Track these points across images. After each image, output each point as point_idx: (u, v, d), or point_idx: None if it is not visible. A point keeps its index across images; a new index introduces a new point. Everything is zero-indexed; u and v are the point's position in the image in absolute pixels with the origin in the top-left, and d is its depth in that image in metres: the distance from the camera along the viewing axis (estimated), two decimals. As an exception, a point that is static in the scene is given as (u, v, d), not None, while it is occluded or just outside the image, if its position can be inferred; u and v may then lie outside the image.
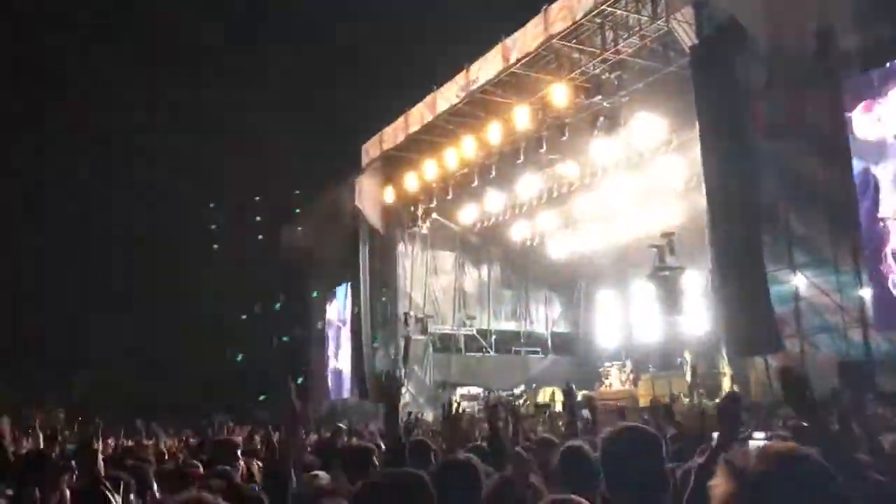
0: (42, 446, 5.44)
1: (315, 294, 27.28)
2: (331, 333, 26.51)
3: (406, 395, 21.39)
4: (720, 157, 13.16)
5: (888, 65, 11.78)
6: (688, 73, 14.31)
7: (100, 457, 3.87)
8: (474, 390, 21.15)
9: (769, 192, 12.79)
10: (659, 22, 14.76)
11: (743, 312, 12.75)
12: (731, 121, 12.97)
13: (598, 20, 15.54)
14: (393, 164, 22.03)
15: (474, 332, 23.93)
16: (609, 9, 15.09)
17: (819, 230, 12.27)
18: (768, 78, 12.94)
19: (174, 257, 29.23)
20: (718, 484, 1.59)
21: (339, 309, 25.83)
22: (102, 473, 3.71)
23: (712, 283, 14.25)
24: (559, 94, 16.62)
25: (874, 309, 11.85)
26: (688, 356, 17.54)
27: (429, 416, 19.29)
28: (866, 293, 12.02)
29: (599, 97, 17.11)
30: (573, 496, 2.44)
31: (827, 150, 12.23)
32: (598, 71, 16.65)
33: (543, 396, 19.02)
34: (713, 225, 13.65)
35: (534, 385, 20.63)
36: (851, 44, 11.97)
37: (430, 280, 23.38)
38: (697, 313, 18.31)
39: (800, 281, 12.66)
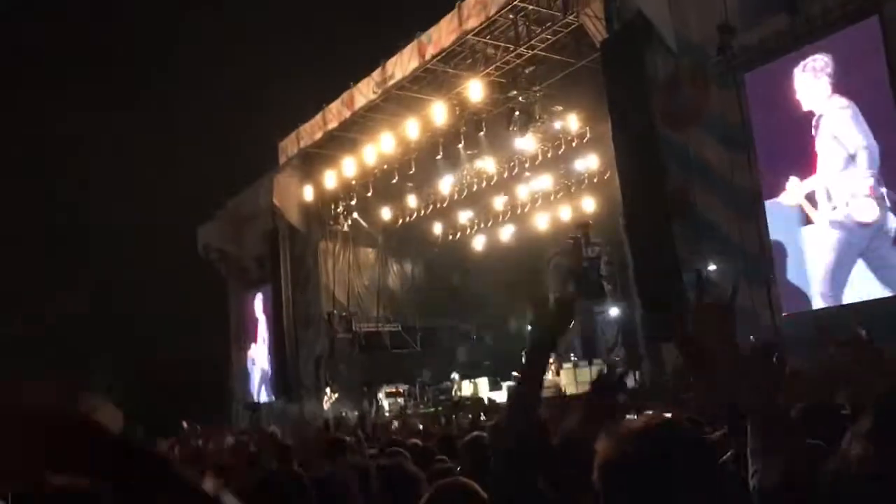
0: None
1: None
2: (252, 334, 26.10)
3: (334, 396, 21.22)
4: (631, 147, 13.56)
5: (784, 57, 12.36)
6: (599, 66, 14.69)
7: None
8: (401, 387, 21.16)
9: (677, 181, 13.25)
10: (570, 17, 15.08)
11: (658, 298, 13.16)
12: (639, 113, 13.36)
13: (510, 15, 15.76)
14: (311, 161, 21.83)
15: (399, 328, 23.94)
16: (521, 4, 15.32)
17: (726, 217, 12.77)
18: (675, 71, 13.40)
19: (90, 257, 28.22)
20: (600, 446, 1.59)
21: (260, 309, 25.46)
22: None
23: (631, 270, 14.62)
24: (475, 89, 16.81)
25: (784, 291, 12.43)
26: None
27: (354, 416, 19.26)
28: (775, 276, 12.58)
29: (515, 92, 17.40)
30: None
31: (731, 140, 12.76)
32: (512, 66, 16.90)
33: (471, 389, 19.17)
34: (627, 214, 14.07)
35: (458, 376, 20.59)
36: (752, 38, 12.51)
37: (353, 278, 23.27)
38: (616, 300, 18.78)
39: (710, 267, 13.13)
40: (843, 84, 11.73)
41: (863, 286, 11.47)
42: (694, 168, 13.02)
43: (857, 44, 11.53)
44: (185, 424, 11.93)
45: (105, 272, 27.96)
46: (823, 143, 12.00)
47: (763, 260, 12.60)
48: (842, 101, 11.80)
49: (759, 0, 12.29)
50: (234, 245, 25.40)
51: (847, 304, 11.61)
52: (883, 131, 11.21)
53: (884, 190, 11.27)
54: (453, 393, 19.48)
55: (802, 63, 12.17)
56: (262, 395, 24.84)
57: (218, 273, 27.25)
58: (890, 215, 11.21)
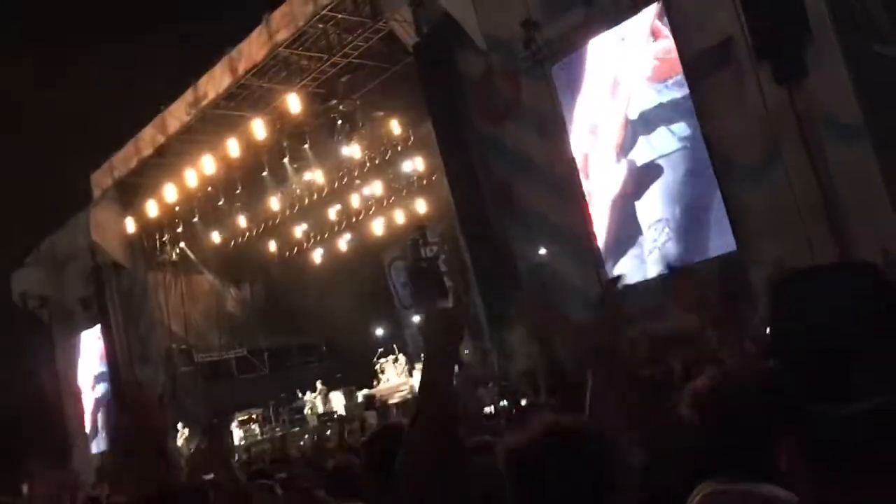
0: None
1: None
2: (87, 379, 24.37)
3: (185, 432, 20.19)
4: (453, 146, 13.88)
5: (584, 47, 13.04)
6: (414, 69, 14.89)
7: None
8: (254, 412, 20.47)
9: (500, 174, 13.68)
10: (380, 23, 15.16)
11: (497, 289, 13.54)
12: (457, 111, 13.71)
13: (320, 25, 15.61)
14: (129, 191, 20.69)
15: (245, 352, 23.18)
16: (330, 13, 15.21)
17: (549, 204, 13.30)
18: (486, 68, 13.82)
19: None
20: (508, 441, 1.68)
21: (92, 352, 23.80)
22: None
23: (471, 265, 14.91)
24: (293, 102, 16.56)
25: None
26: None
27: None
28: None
29: (334, 101, 17.29)
30: None
31: (546, 130, 13.32)
32: (329, 76, 16.78)
33: (328, 404, 18.89)
34: (458, 211, 14.37)
35: (311, 393, 20.22)
36: (554, 32, 13.11)
37: (188, 308, 22.23)
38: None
39: (542, 253, 13.64)
40: (640, 56, 12.55)
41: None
42: (514, 160, 13.48)
43: (645, 27, 12.35)
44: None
45: None
46: (631, 114, 12.75)
47: (588, 240, 13.24)
48: (640, 70, 12.59)
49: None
50: (55, 289, 23.64)
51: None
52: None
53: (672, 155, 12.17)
54: (307, 411, 19.10)
55: (597, 40, 12.87)
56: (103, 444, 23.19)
57: (40, 321, 25.28)
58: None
